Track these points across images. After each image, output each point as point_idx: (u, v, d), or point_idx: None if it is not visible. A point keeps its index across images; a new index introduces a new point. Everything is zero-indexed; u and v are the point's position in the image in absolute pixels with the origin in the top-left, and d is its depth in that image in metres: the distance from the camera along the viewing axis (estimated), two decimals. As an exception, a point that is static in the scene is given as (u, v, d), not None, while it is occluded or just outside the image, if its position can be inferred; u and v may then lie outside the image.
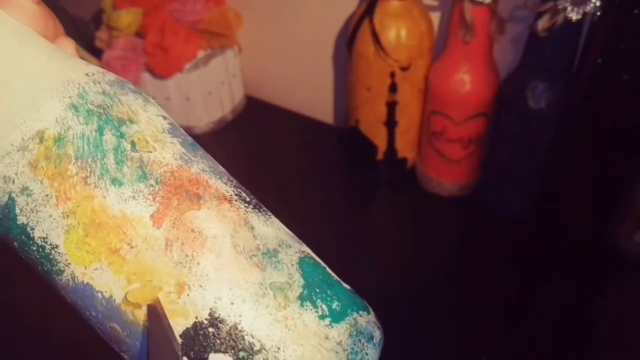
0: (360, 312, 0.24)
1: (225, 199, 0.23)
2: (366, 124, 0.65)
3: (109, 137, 0.21)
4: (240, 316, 0.21)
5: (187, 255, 0.21)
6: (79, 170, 0.21)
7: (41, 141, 0.21)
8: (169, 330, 0.20)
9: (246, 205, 0.23)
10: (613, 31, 0.51)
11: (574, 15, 0.49)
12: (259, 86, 0.83)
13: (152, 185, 0.21)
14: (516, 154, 0.58)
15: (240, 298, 0.21)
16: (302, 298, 0.22)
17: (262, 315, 0.21)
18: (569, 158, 0.56)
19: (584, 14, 0.49)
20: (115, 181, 0.21)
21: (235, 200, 0.23)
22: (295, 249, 0.24)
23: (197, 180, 0.22)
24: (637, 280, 0.54)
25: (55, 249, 0.21)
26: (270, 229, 0.23)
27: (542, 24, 0.49)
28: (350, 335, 0.23)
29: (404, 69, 0.59)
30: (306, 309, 0.22)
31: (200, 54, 0.72)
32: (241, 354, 0.21)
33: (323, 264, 0.25)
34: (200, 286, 0.21)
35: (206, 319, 0.21)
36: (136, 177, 0.21)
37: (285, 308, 0.22)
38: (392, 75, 0.59)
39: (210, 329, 0.21)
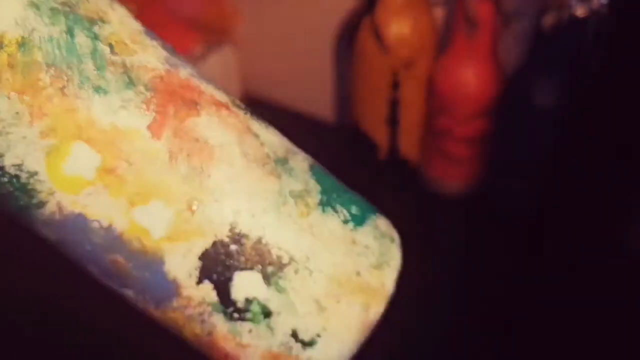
0: (377, 215, 0.23)
1: (222, 105, 0.21)
2: (367, 123, 0.64)
3: (82, 39, 0.19)
4: (263, 228, 0.20)
5: (195, 167, 0.19)
6: (54, 80, 0.18)
7: (1, 47, 0.18)
8: None
9: (244, 112, 0.22)
10: (620, 27, 0.51)
11: (580, 11, 0.48)
12: (256, 83, 0.82)
13: (142, 93, 0.19)
14: (522, 152, 0.57)
15: (261, 209, 0.20)
16: (322, 204, 0.21)
17: (287, 225, 0.20)
18: (577, 156, 0.55)
19: (590, 10, 0.48)
20: (99, 90, 0.19)
21: (232, 107, 0.22)
22: (301, 155, 0.23)
23: (188, 85, 0.21)
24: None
25: (35, 177, 0.19)
26: (273, 137, 0.22)
27: (548, 20, 0.49)
28: (375, 237, 0.22)
29: (406, 66, 0.58)
30: (328, 215, 0.21)
31: (197, 49, 0.71)
32: (269, 268, 0.20)
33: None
34: (216, 200, 0.19)
35: (227, 236, 0.19)
36: (123, 84, 0.19)
37: (308, 215, 0.21)
38: (394, 72, 0.58)
39: (233, 246, 0.19)
